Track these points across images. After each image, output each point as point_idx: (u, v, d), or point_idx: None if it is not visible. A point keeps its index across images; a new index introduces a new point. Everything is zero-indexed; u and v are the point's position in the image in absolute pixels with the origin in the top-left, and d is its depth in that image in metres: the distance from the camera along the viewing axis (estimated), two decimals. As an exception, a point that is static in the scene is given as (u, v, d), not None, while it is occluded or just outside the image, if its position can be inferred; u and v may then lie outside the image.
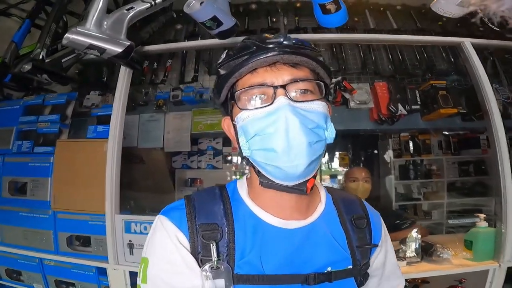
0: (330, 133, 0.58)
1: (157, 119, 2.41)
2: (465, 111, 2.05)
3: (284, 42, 0.57)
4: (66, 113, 1.46)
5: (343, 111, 2.19)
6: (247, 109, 0.57)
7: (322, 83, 0.59)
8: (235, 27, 1.11)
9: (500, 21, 0.55)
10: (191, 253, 0.58)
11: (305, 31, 2.20)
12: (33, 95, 1.60)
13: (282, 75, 0.56)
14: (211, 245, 0.57)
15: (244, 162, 0.65)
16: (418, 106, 2.08)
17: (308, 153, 0.54)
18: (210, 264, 0.56)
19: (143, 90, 2.37)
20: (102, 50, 0.90)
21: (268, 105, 0.55)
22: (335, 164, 3.88)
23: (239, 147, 0.60)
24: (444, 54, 2.27)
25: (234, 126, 0.60)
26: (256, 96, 0.57)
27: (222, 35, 1.08)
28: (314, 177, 0.59)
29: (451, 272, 1.39)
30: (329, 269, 0.60)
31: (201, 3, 0.90)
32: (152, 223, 0.64)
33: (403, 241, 1.53)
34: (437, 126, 2.34)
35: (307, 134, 0.54)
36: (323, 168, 4.10)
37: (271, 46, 0.56)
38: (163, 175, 2.82)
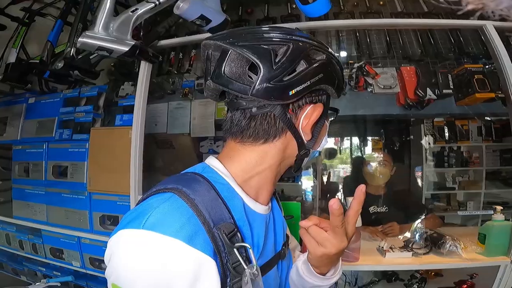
0: None
1: (184, 106, 2.52)
2: (503, 96, 1.88)
3: None
4: (99, 104, 1.61)
5: (368, 96, 2.13)
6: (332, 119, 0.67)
7: None
8: (225, 22, 1.15)
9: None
10: (220, 267, 0.47)
11: (326, 18, 2.13)
12: (75, 87, 1.78)
13: None
14: (246, 248, 0.49)
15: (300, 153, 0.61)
16: (450, 91, 1.96)
17: None
18: (249, 270, 0.48)
19: (170, 79, 2.49)
20: (110, 51, 1.00)
21: None
22: (368, 149, 3.81)
23: (312, 138, 0.60)
24: (481, 37, 2.08)
25: (321, 123, 0.61)
26: None
27: (213, 31, 1.13)
28: None
29: (459, 266, 1.34)
30: (283, 241, 0.67)
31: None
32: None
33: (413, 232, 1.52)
34: (476, 111, 2.17)
35: None
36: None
37: None
38: (191, 159, 2.97)
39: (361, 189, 0.59)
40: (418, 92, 1.96)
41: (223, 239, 0.47)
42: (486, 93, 1.86)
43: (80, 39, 0.96)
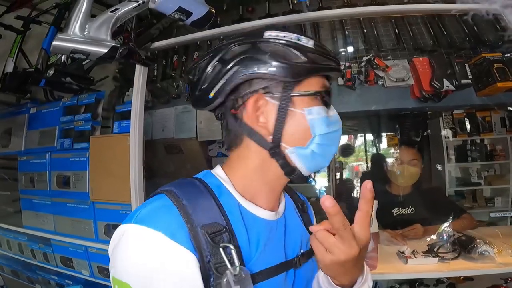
0: None
1: (189, 110, 2.50)
2: (528, 84, 1.74)
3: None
4: (97, 111, 1.59)
5: (379, 90, 2.04)
6: (327, 107, 0.59)
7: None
8: (208, 14, 1.06)
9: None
10: (201, 264, 0.48)
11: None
12: (84, 95, 1.77)
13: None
14: (222, 249, 0.49)
15: (269, 154, 0.57)
16: (469, 81, 1.84)
17: None
18: (232, 271, 0.48)
19: (174, 83, 2.47)
20: (86, 53, 0.95)
21: (329, 109, 0.60)
22: (383, 145, 3.66)
23: (279, 135, 0.55)
24: (497, 24, 1.93)
25: (288, 112, 0.55)
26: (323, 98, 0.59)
27: (197, 24, 1.05)
28: None
29: (492, 272, 1.21)
30: (302, 251, 0.64)
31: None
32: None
33: (439, 234, 1.39)
34: (498, 101, 2.02)
35: None
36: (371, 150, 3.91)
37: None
38: (201, 164, 2.94)
39: (366, 185, 0.51)
40: (434, 84, 1.85)
41: (206, 238, 0.48)
42: (508, 81, 1.74)
43: (53, 42, 0.91)
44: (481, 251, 1.20)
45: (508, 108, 2.47)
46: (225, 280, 0.48)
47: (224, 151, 2.95)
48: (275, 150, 0.56)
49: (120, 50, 1.01)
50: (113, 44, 0.98)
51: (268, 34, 0.56)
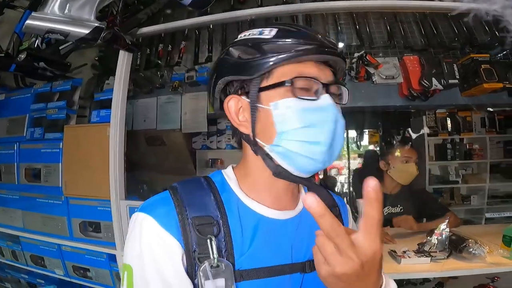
0: None
1: (174, 100, 2.42)
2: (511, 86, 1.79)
3: (330, 41, 0.56)
4: (73, 99, 1.46)
5: (368, 87, 2.03)
6: (300, 98, 0.53)
7: (347, 90, 0.59)
8: None
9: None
10: (186, 253, 0.51)
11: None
12: (58, 81, 1.63)
13: (326, 74, 0.56)
14: (209, 240, 0.51)
15: (252, 150, 0.58)
16: (456, 81, 1.87)
17: (338, 154, 0.56)
18: (209, 262, 0.51)
19: (159, 72, 2.36)
20: (65, 34, 0.85)
21: (316, 99, 0.54)
22: (365, 142, 3.70)
23: (253, 132, 0.56)
24: (486, 26, 1.97)
25: (257, 108, 0.55)
26: (304, 87, 0.54)
27: (196, 5, 0.97)
28: None
29: (483, 272, 1.25)
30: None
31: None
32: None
33: (431, 233, 1.38)
34: (480, 102, 2.08)
35: (343, 137, 0.57)
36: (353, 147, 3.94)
37: (327, 42, 0.55)
38: (184, 156, 2.85)
39: (368, 184, 0.42)
40: (423, 82, 1.86)
41: (193, 229, 0.52)
42: (494, 83, 1.79)
43: (27, 21, 0.80)
44: (472, 251, 1.21)
45: (488, 109, 2.55)
46: (201, 269, 0.50)
47: (209, 143, 2.87)
48: (255, 148, 0.57)
49: (104, 34, 0.91)
50: (96, 24, 0.87)
51: (239, 35, 0.59)
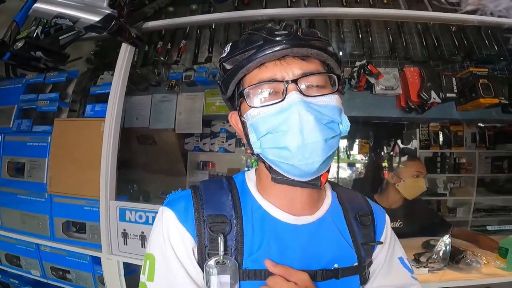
0: (344, 126, 0.56)
1: (169, 99, 2.36)
2: (507, 102, 1.82)
3: (293, 34, 0.54)
4: (67, 91, 1.38)
5: (366, 97, 2.04)
6: (256, 106, 0.54)
7: (334, 76, 0.57)
8: None
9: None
10: (198, 248, 0.55)
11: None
12: (52, 73, 1.54)
13: (293, 69, 0.53)
14: (219, 238, 0.54)
15: (254, 158, 0.61)
16: (454, 95, 1.89)
17: (324, 150, 0.52)
18: (216, 258, 0.54)
19: (156, 70, 2.30)
20: (74, 19, 0.79)
21: (280, 101, 0.52)
22: (354, 151, 3.71)
23: (249, 144, 0.58)
24: (486, 40, 2.01)
25: (243, 122, 0.58)
26: (266, 92, 0.54)
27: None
28: (328, 171, 0.58)
29: (479, 282, 1.26)
30: (336, 265, 0.59)
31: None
32: (150, 212, 0.67)
33: (426, 245, 1.41)
34: (473, 117, 2.11)
35: (322, 131, 0.52)
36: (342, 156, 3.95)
37: (279, 38, 0.53)
38: (175, 157, 2.78)
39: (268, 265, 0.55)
40: (422, 95, 1.87)
41: (207, 226, 0.55)
42: (491, 98, 1.81)
43: (35, 4, 0.73)
44: (470, 262, 1.23)
45: (479, 124, 2.60)
46: (207, 264, 0.54)
47: (201, 145, 2.81)
48: (256, 156, 0.59)
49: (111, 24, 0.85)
50: (109, 12, 0.81)
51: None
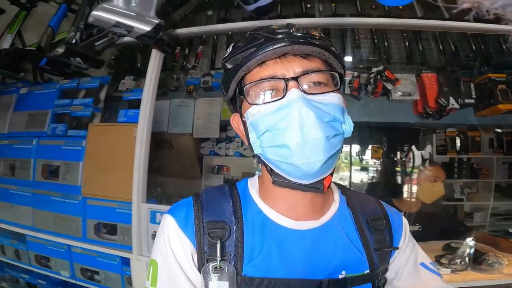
0: (348, 127, 0.55)
1: (187, 104, 2.40)
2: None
3: (293, 33, 0.54)
4: (99, 97, 1.44)
5: (383, 103, 2.04)
6: (257, 104, 0.53)
7: (336, 74, 0.56)
8: (273, 4, 1.00)
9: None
10: (198, 254, 0.55)
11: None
12: (86, 78, 1.61)
13: (293, 66, 0.53)
14: (217, 243, 0.54)
15: (255, 160, 0.59)
16: (472, 100, 1.88)
17: (325, 148, 0.50)
18: (213, 264, 0.53)
19: (174, 75, 2.36)
20: (129, 29, 0.84)
21: (279, 98, 0.52)
22: (367, 156, 3.71)
23: (250, 145, 0.57)
24: (504, 46, 2.01)
25: (244, 123, 0.58)
26: (267, 90, 0.53)
27: (259, 12, 0.98)
28: (331, 174, 0.56)
29: (500, 282, 1.28)
30: (343, 273, 0.56)
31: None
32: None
33: (447, 248, 1.43)
34: (490, 122, 2.10)
35: (324, 128, 0.50)
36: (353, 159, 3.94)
37: (280, 36, 0.53)
38: (191, 161, 2.83)
39: None
40: (440, 101, 1.87)
41: (205, 232, 0.55)
42: (509, 104, 1.80)
43: (94, 12, 0.78)
44: (492, 263, 1.26)
45: (496, 129, 2.59)
46: (203, 269, 0.54)
47: (217, 150, 2.85)
48: (257, 158, 0.58)
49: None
50: (158, 21, 0.86)
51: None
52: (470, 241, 1.30)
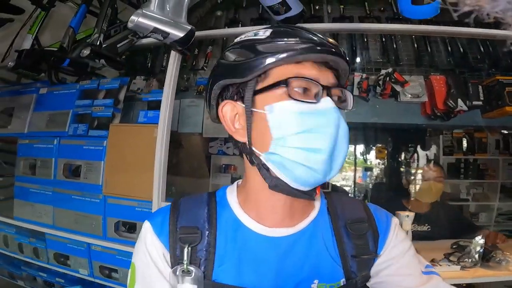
0: None
1: (197, 104, 2.42)
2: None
3: (329, 41, 0.53)
4: (119, 98, 1.47)
5: (391, 104, 2.07)
6: (299, 100, 0.50)
7: (351, 94, 0.57)
8: (301, 14, 1.03)
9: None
10: (171, 258, 0.56)
11: (351, 20, 2.07)
12: (88, 80, 1.64)
13: (328, 77, 0.53)
14: (185, 248, 0.55)
15: (247, 159, 0.56)
16: (480, 102, 1.91)
17: (344, 162, 0.52)
18: (181, 267, 0.54)
19: (184, 76, 2.39)
20: (165, 35, 0.86)
21: (315, 102, 0.50)
22: (371, 156, 3.74)
23: (250, 141, 0.53)
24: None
25: (252, 114, 0.52)
26: (305, 89, 0.51)
27: (287, 21, 1.01)
28: None
29: (509, 278, 1.33)
30: (316, 282, 0.54)
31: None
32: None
33: (456, 246, 1.45)
34: (497, 124, 2.14)
35: (348, 144, 0.53)
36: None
37: (324, 41, 0.52)
38: (200, 160, 2.87)
39: None
40: (449, 103, 1.90)
41: (178, 237, 0.56)
42: None
43: (134, 17, 0.81)
44: (499, 261, 1.31)
45: (503, 131, 2.62)
46: (171, 271, 0.55)
47: (225, 149, 2.89)
48: (251, 157, 0.54)
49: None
50: (190, 27, 0.89)
51: (236, 39, 0.57)
52: (479, 239, 1.34)
